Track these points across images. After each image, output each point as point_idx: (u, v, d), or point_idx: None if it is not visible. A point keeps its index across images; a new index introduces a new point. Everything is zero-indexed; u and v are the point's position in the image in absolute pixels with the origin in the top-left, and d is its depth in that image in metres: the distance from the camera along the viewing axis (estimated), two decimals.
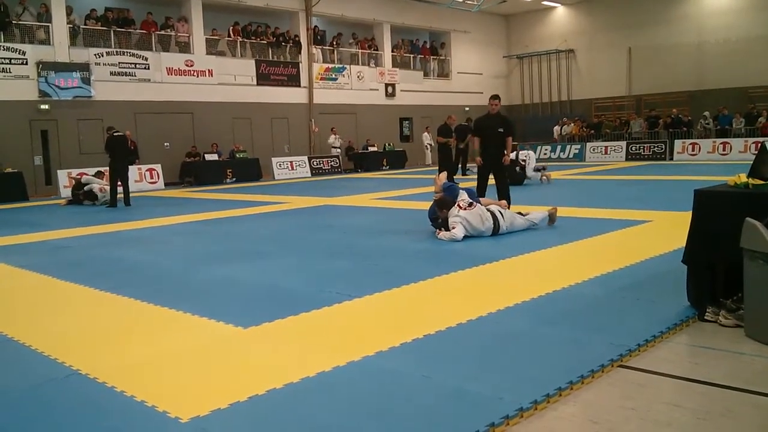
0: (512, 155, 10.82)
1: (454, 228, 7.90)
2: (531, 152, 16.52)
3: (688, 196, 4.73)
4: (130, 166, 15.58)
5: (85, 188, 15.52)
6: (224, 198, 15.99)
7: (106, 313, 5.28)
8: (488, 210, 8.16)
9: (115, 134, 14.57)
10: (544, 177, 15.88)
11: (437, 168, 17.07)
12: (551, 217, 8.73)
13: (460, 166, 19.25)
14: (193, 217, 11.87)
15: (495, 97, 10.17)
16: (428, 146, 27.41)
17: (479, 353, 3.91)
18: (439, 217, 8.27)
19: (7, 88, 18.38)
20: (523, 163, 15.49)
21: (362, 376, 3.60)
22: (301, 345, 4.22)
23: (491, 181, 10.18)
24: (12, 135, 18.49)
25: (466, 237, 7.92)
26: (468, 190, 8.61)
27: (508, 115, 18.56)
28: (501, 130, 9.79)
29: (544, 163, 16.53)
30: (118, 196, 14.47)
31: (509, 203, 9.33)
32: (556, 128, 28.62)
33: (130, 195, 14.91)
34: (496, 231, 8.07)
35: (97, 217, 12.65)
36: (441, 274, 6.03)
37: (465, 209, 8.00)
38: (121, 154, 14.51)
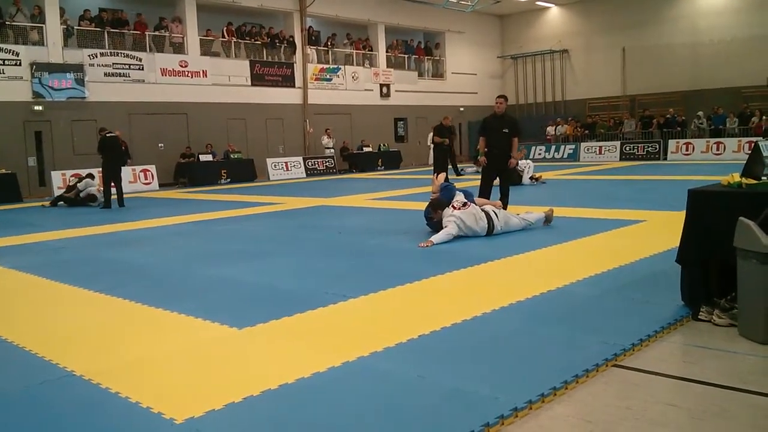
0: (516, 161, 10.47)
1: (446, 227, 7.91)
2: (530, 162, 16.62)
3: (681, 196, 4.74)
4: (122, 167, 15.50)
5: (81, 194, 15.40)
6: (219, 199, 15.96)
7: (101, 314, 5.26)
8: (483, 210, 8.17)
9: (107, 135, 14.46)
10: (540, 181, 15.95)
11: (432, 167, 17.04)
12: (547, 218, 8.76)
13: (449, 166, 19.13)
14: (188, 218, 11.85)
15: (501, 96, 9.94)
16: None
17: (474, 353, 3.91)
18: (434, 218, 8.28)
19: (1, 89, 18.31)
20: (521, 173, 15.49)
21: (357, 376, 3.60)
22: (296, 346, 4.21)
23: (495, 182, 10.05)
24: (6, 136, 18.43)
25: (461, 237, 7.94)
26: (464, 191, 8.62)
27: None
28: (506, 130, 9.61)
29: (540, 173, 16.61)
30: (112, 197, 14.44)
31: (506, 205, 9.33)
32: (550, 128, 28.67)
33: (124, 196, 14.88)
34: (490, 231, 8.08)
35: (92, 218, 12.61)
36: (436, 274, 6.03)
37: (459, 209, 8.02)
38: (114, 155, 14.42)
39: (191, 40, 22.47)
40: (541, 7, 31.35)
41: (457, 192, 8.49)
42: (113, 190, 14.48)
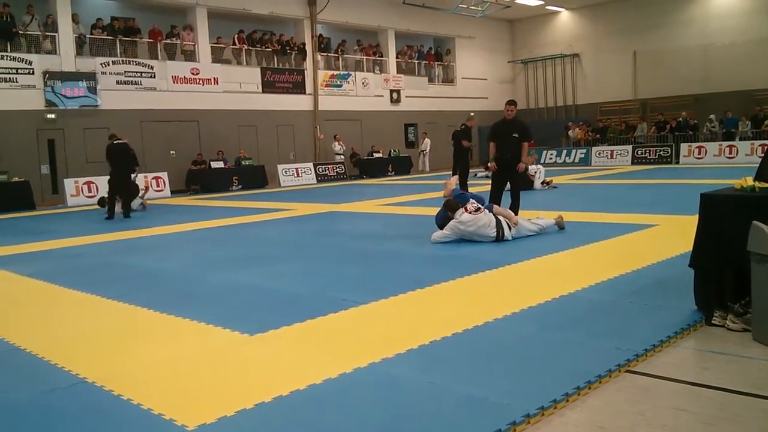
0: (526, 165, 10.42)
1: (445, 229, 8.21)
2: (542, 167, 16.58)
3: (694, 200, 4.71)
4: (132, 175, 14.84)
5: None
6: (231, 205, 16.02)
7: (113, 321, 5.29)
8: (496, 218, 8.19)
9: (115, 142, 13.91)
10: (551, 185, 15.91)
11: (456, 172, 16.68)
12: (559, 225, 8.73)
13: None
14: (200, 225, 11.89)
15: (510, 102, 9.90)
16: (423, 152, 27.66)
17: (486, 359, 3.90)
18: (448, 221, 8.33)
19: (14, 98, 18.48)
20: (532, 178, 15.43)
21: (368, 382, 3.59)
22: (307, 352, 4.21)
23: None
24: (19, 144, 18.59)
25: (473, 242, 8.01)
26: (476, 197, 8.64)
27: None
28: (516, 135, 9.62)
29: (551, 178, 16.57)
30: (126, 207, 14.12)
31: (517, 210, 9.32)
32: (571, 133, 28.47)
33: (136, 206, 14.73)
34: (500, 238, 8.08)
35: (106, 225, 12.67)
36: (447, 280, 6.02)
37: (472, 213, 8.09)
38: (121, 163, 13.76)
39: (202, 47, 22.60)
40: (552, 11, 31.31)
41: (471, 198, 8.55)
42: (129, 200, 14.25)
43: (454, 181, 9.24)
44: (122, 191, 13.85)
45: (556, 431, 2.98)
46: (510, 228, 8.21)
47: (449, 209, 8.32)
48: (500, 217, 8.24)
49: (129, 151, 14.38)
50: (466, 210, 8.15)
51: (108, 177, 14.04)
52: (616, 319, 4.60)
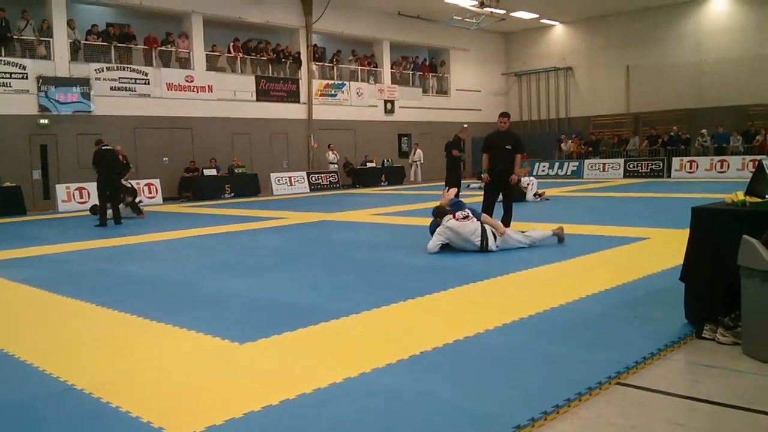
0: (519, 177, 10.39)
1: (434, 236, 8.31)
2: (534, 179, 16.66)
3: (685, 214, 4.73)
4: (123, 181, 14.68)
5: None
6: (223, 213, 15.98)
7: (103, 328, 5.26)
8: (482, 227, 8.21)
9: (102, 148, 13.55)
10: (543, 197, 15.96)
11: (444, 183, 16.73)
12: (558, 237, 8.68)
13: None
14: (192, 232, 11.86)
15: (504, 114, 9.92)
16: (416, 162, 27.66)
17: (477, 370, 3.89)
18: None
19: (7, 103, 18.43)
20: (524, 189, 15.47)
21: (359, 392, 3.58)
22: (298, 361, 4.20)
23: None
24: (11, 149, 18.52)
25: (466, 252, 8.05)
26: (471, 209, 8.65)
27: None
28: (509, 147, 9.64)
29: (543, 189, 16.64)
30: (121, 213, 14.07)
31: (509, 222, 9.34)
32: (564, 145, 28.60)
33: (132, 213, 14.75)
34: (484, 248, 8.09)
35: (97, 231, 12.61)
36: (439, 290, 6.02)
37: (459, 220, 8.13)
38: (109, 169, 13.53)
39: (197, 55, 22.63)
40: (546, 24, 31.51)
41: (466, 208, 8.56)
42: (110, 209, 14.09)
43: (453, 192, 9.25)
44: (112, 197, 13.75)
45: None
46: (496, 238, 8.21)
47: (438, 215, 8.41)
48: (486, 226, 8.26)
49: (115, 157, 14.11)
50: (454, 217, 8.22)
51: (96, 184, 13.87)
52: (607, 331, 4.60)
